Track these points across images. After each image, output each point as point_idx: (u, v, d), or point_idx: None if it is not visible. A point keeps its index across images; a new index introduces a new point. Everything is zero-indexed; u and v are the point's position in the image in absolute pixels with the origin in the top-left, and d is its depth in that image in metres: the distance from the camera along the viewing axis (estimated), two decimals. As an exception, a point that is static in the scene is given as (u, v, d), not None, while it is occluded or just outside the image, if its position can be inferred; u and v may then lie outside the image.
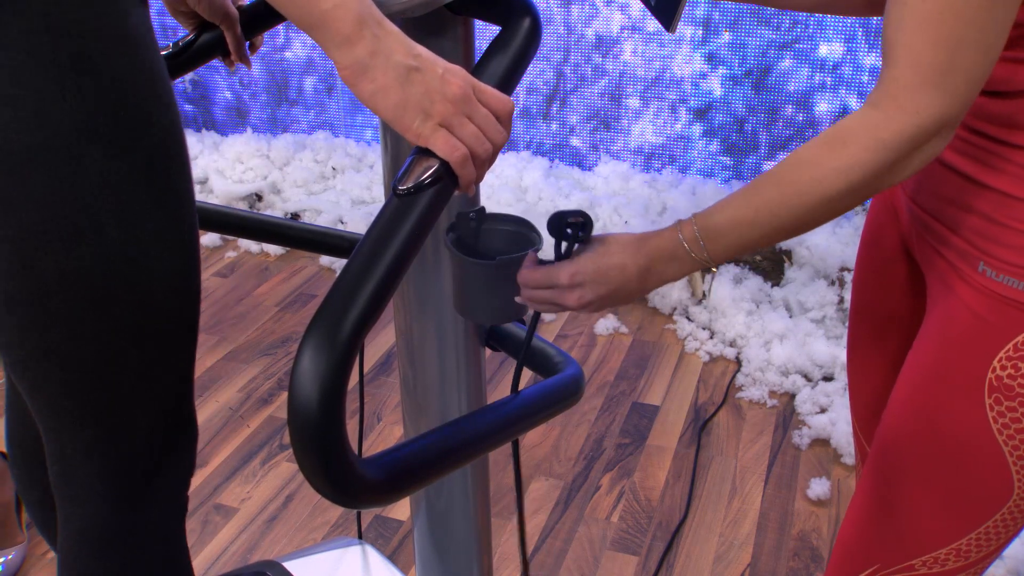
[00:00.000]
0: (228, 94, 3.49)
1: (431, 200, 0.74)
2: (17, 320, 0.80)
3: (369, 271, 0.67)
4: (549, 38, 3.06)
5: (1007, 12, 0.73)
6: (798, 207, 0.81)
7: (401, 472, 0.71)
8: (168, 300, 0.85)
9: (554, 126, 3.22)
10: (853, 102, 2.85)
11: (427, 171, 0.75)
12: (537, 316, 0.95)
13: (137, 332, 0.83)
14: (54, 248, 0.77)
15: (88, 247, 0.78)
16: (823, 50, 2.83)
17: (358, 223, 3.00)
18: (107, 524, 0.90)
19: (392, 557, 1.86)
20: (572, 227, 0.89)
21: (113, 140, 0.78)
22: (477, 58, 0.90)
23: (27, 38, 0.72)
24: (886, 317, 1.12)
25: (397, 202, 0.73)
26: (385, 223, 0.71)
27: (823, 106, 2.91)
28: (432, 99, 0.73)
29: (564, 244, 0.90)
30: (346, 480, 0.66)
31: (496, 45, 0.86)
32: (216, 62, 1.17)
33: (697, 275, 2.59)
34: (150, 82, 0.81)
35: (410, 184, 0.74)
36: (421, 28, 0.91)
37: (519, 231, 1.00)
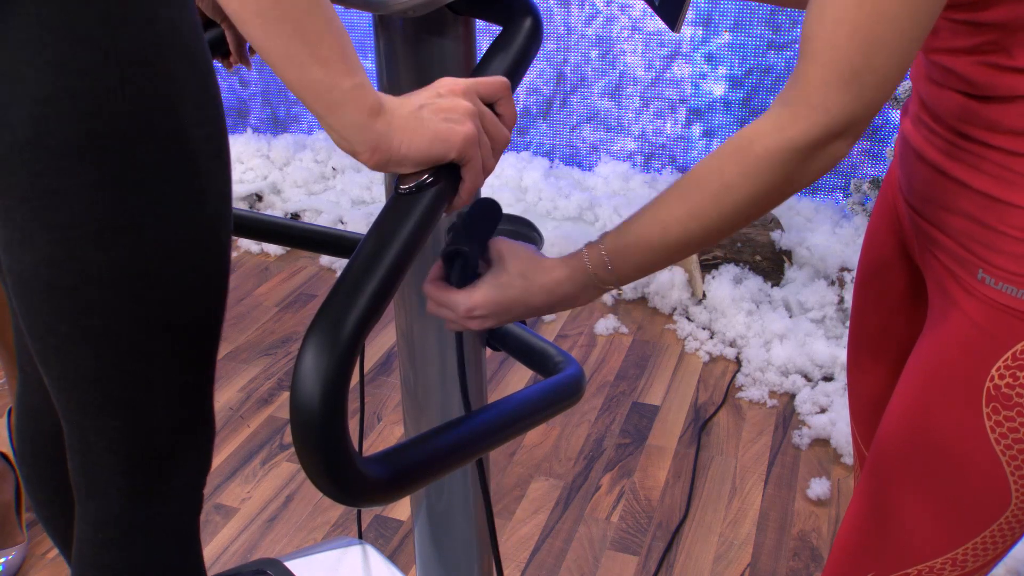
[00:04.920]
0: (228, 94, 3.49)
1: (433, 199, 0.74)
2: (54, 308, 0.81)
3: (371, 270, 0.67)
4: (549, 38, 3.07)
5: (927, 17, 0.72)
6: (708, 218, 0.79)
7: (403, 470, 0.72)
8: (200, 296, 0.86)
9: (554, 126, 3.22)
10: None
11: (429, 170, 0.75)
12: (461, 335, 0.90)
13: (168, 326, 0.85)
14: (99, 239, 0.78)
15: (130, 239, 0.79)
16: (823, 50, 2.83)
17: (358, 223, 3.00)
18: (124, 516, 0.91)
19: (392, 557, 1.86)
20: (452, 260, 0.84)
21: (164, 134, 0.78)
22: (478, 58, 0.90)
23: (89, 30, 0.73)
24: (886, 321, 1.12)
25: (399, 201, 0.73)
26: (387, 222, 0.72)
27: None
28: (451, 111, 0.75)
29: (452, 270, 0.84)
30: (348, 478, 0.66)
31: (497, 45, 0.87)
32: (215, 62, 1.17)
33: (697, 275, 2.59)
34: (202, 77, 0.81)
35: (412, 183, 0.74)
36: (422, 28, 0.91)
37: (520, 231, 1.00)
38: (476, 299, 0.83)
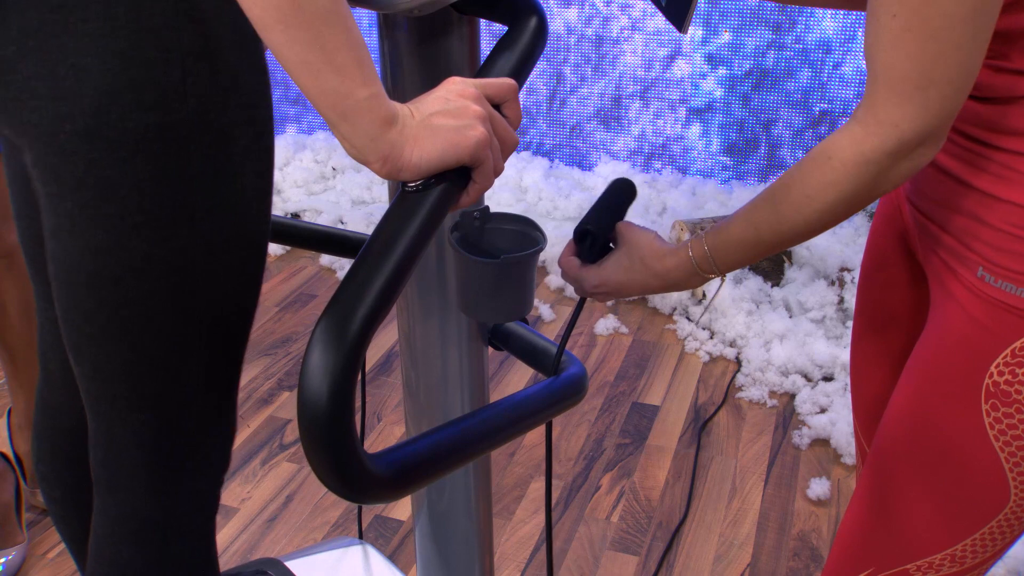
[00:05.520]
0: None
1: (440, 197, 0.74)
2: (95, 298, 0.81)
3: (379, 267, 0.67)
4: (549, 38, 3.07)
5: (984, 25, 0.73)
6: (795, 223, 0.85)
7: (408, 468, 0.72)
8: (237, 294, 0.86)
9: (554, 126, 3.23)
10: (853, 103, 2.86)
11: None
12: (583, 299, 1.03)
13: (204, 322, 0.85)
14: (147, 231, 0.78)
15: (177, 233, 0.79)
16: (822, 51, 2.84)
17: (358, 223, 3.00)
18: (144, 513, 0.91)
19: (392, 557, 1.86)
20: (583, 238, 0.98)
21: (218, 131, 0.79)
22: (482, 58, 0.90)
23: (155, 24, 0.73)
24: (888, 317, 1.12)
25: (406, 199, 0.74)
26: (395, 220, 0.72)
27: (823, 106, 2.91)
28: (462, 116, 0.75)
29: (583, 247, 0.98)
30: (355, 475, 0.66)
31: (503, 44, 0.87)
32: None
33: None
34: (257, 77, 0.81)
35: (419, 182, 0.74)
36: (427, 28, 0.91)
37: (523, 230, 1.00)
38: (605, 275, 0.97)
